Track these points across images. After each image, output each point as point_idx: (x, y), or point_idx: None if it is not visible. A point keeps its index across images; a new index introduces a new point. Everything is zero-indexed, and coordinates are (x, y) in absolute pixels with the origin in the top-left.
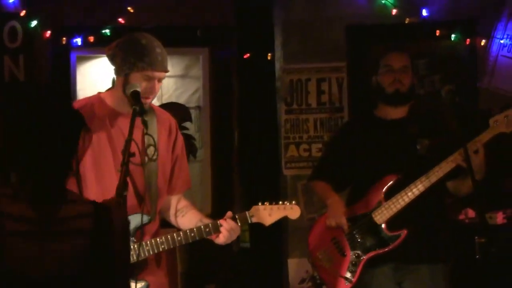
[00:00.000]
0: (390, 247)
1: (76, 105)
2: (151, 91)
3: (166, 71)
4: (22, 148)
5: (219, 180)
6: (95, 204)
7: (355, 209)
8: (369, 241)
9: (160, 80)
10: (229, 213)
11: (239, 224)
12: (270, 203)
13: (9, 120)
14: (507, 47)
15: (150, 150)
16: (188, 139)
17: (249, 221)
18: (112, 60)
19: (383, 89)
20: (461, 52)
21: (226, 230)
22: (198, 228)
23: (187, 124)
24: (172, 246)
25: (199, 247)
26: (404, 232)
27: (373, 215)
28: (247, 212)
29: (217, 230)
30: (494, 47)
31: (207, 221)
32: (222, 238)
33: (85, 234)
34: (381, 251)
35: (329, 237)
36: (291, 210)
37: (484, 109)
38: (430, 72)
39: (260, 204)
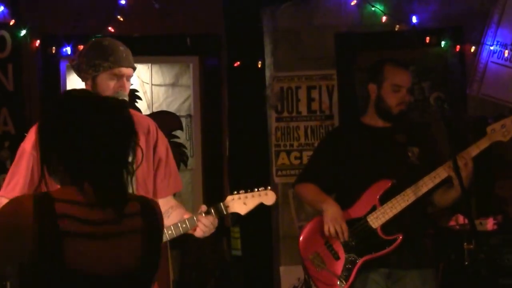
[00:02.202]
0: (386, 250)
1: None
2: (122, 90)
3: (133, 67)
4: (94, 156)
5: (210, 188)
6: (141, 201)
7: (348, 213)
8: (363, 245)
9: (128, 78)
10: (203, 207)
11: (215, 216)
12: (245, 192)
13: (82, 131)
14: (497, 54)
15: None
16: (179, 147)
17: (224, 212)
18: (78, 69)
19: (389, 108)
20: (451, 59)
21: (203, 223)
22: (175, 225)
23: (177, 132)
24: None
25: (191, 254)
26: (400, 237)
27: (368, 219)
28: (221, 203)
29: (193, 224)
30: (484, 54)
31: (185, 216)
32: (199, 231)
33: (138, 232)
34: (376, 254)
35: (321, 241)
36: (266, 197)
37: (475, 116)
38: (420, 79)
39: (235, 193)
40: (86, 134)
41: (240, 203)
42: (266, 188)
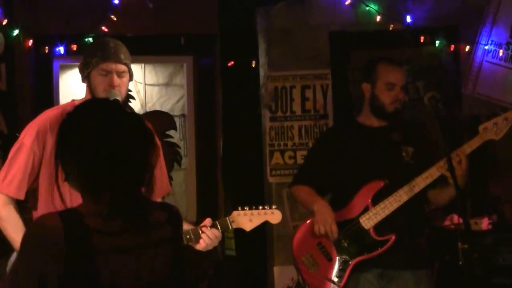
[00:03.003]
0: (379, 251)
1: (50, 112)
2: (111, 86)
3: (122, 63)
4: (112, 166)
5: (204, 188)
6: (166, 209)
7: (341, 214)
8: (356, 246)
9: (119, 74)
10: (208, 220)
11: (220, 230)
12: (250, 208)
13: (100, 142)
14: (491, 53)
15: None
16: (173, 147)
17: (230, 227)
18: (79, 70)
19: (383, 106)
20: (445, 58)
21: (209, 238)
22: None
23: (171, 132)
24: None
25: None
26: (392, 237)
27: (361, 220)
28: (227, 218)
29: (198, 237)
30: (479, 53)
31: (187, 227)
32: (203, 245)
33: (167, 242)
34: (369, 255)
35: (314, 242)
36: (272, 215)
37: (470, 115)
38: (414, 78)
39: (240, 209)
40: (106, 140)
41: (246, 220)
42: (271, 207)
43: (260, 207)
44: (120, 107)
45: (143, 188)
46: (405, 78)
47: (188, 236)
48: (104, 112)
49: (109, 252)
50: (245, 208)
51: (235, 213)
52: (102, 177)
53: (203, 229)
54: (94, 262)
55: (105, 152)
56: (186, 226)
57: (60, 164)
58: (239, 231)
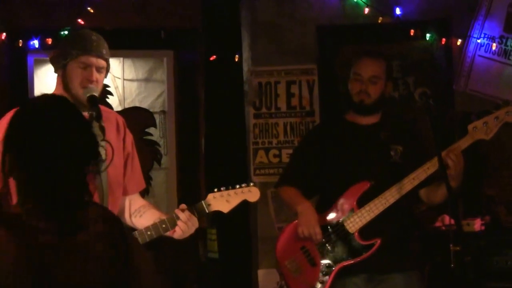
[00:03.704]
0: (363, 256)
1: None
2: (89, 80)
3: (104, 58)
4: (48, 168)
5: (185, 188)
6: (98, 206)
7: (326, 217)
8: (340, 251)
9: (99, 69)
10: (183, 205)
11: (196, 215)
12: (226, 188)
13: (39, 141)
14: (484, 47)
15: (103, 156)
16: (153, 145)
17: (206, 211)
18: (51, 60)
19: (350, 97)
20: (436, 53)
21: (183, 222)
22: (154, 225)
23: (151, 129)
24: None
25: (166, 258)
26: (377, 241)
27: (345, 223)
28: (203, 201)
29: (174, 224)
30: (471, 47)
31: (162, 216)
32: (179, 231)
33: (101, 238)
34: (353, 260)
35: (298, 246)
36: (250, 193)
37: (462, 112)
38: (404, 74)
39: (215, 190)
40: (47, 140)
41: (222, 201)
42: (249, 184)
43: (237, 186)
44: (71, 111)
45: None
46: (378, 69)
47: (164, 226)
48: (50, 113)
49: (51, 249)
50: (221, 189)
51: (210, 195)
52: (37, 176)
53: (178, 213)
54: (43, 260)
55: (43, 152)
56: (161, 216)
57: (7, 158)
58: (221, 234)
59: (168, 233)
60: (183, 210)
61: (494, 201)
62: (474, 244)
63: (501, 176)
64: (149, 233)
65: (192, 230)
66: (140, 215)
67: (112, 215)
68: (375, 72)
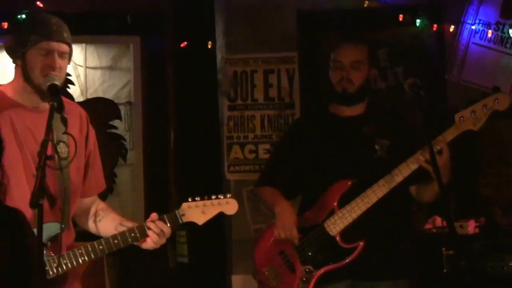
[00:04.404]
0: (346, 261)
1: None
2: (51, 67)
3: (65, 42)
4: None
5: (153, 186)
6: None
7: (306, 218)
8: (321, 255)
9: (61, 55)
10: (154, 215)
11: (169, 225)
12: (202, 198)
13: None
14: (479, 34)
15: (65, 151)
16: (117, 139)
17: (180, 221)
18: (7, 49)
19: (332, 87)
20: (427, 40)
21: (155, 234)
22: (122, 234)
23: (115, 122)
24: (93, 257)
25: (130, 261)
26: (360, 244)
27: (325, 225)
28: (176, 211)
29: (144, 234)
30: (465, 34)
31: (129, 224)
32: (150, 242)
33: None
34: (335, 265)
35: (276, 251)
36: (227, 205)
37: (455, 104)
38: (392, 63)
39: (190, 200)
40: None
41: (197, 212)
42: (226, 196)
43: (213, 197)
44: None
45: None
46: (359, 53)
47: (133, 234)
48: None
49: None
50: (196, 198)
51: (185, 205)
52: None
53: (149, 224)
54: None
55: None
56: (130, 223)
57: None
58: (192, 236)
59: (137, 243)
60: (156, 221)
61: (489, 201)
62: (468, 248)
63: (498, 174)
64: (115, 241)
65: (163, 240)
66: (99, 219)
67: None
68: (356, 56)
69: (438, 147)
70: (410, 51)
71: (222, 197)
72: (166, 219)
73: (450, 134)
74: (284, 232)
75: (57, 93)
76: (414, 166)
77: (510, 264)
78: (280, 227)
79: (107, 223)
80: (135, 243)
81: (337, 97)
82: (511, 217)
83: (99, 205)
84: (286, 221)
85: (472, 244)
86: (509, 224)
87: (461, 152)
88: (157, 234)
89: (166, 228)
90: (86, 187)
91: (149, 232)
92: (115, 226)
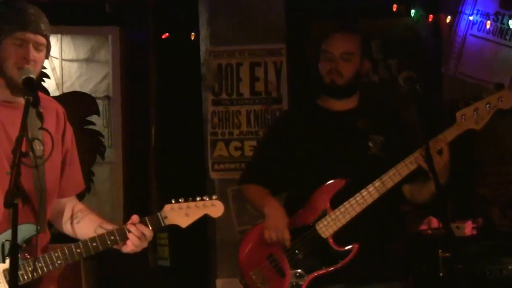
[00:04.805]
0: (339, 264)
1: None
2: (25, 59)
3: (42, 34)
4: None
5: (133, 185)
6: None
7: (296, 220)
8: (313, 258)
9: (37, 47)
10: (135, 217)
11: (151, 228)
12: (186, 200)
13: None
14: (477, 25)
15: (41, 149)
16: (95, 136)
17: (162, 224)
18: None
19: (321, 78)
20: (423, 31)
21: (136, 237)
22: (101, 237)
23: (93, 118)
24: (70, 261)
25: (108, 265)
26: (355, 247)
27: (317, 227)
28: (159, 213)
29: (124, 237)
30: (462, 25)
31: (109, 226)
32: (130, 246)
33: None
34: (328, 269)
35: (265, 253)
36: (213, 208)
37: (451, 99)
38: (386, 55)
39: (173, 202)
40: None
41: (181, 214)
42: (211, 198)
43: (198, 198)
44: None
45: None
46: (351, 44)
47: (112, 238)
48: None
49: None
50: (180, 200)
51: (167, 207)
52: None
53: (129, 227)
54: None
55: None
56: (109, 226)
57: None
58: (174, 238)
59: (117, 246)
60: (138, 224)
61: (487, 201)
62: (465, 250)
63: (496, 173)
64: (94, 244)
65: (144, 244)
66: (78, 221)
67: None
68: (347, 48)
69: (438, 147)
70: (404, 43)
71: (207, 199)
72: (148, 222)
73: (451, 133)
74: (276, 233)
75: (33, 87)
76: (413, 166)
77: (510, 268)
78: (270, 228)
79: (85, 225)
80: (114, 246)
81: (325, 89)
82: (510, 218)
83: (77, 206)
84: (277, 222)
85: (470, 246)
86: (508, 225)
87: (458, 150)
88: (138, 238)
89: (148, 231)
90: (63, 187)
91: (130, 235)
92: (94, 228)
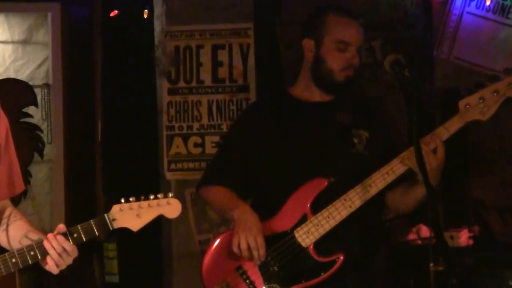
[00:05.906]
0: (322, 277)
1: None
2: None
3: None
4: None
5: (76, 186)
6: None
7: (270, 225)
8: (290, 270)
9: None
10: (61, 226)
11: (97, 233)
12: (138, 199)
13: None
14: (475, 1)
15: None
16: (33, 130)
17: (110, 228)
18: None
19: (330, 73)
20: (411, 9)
21: (56, 252)
22: (20, 252)
23: (30, 109)
24: None
25: (48, 279)
26: (340, 258)
27: (296, 234)
28: (106, 215)
29: (45, 252)
30: (458, 2)
31: (36, 236)
32: (50, 263)
33: None
34: (309, 283)
35: (233, 265)
36: (168, 207)
37: (445, 87)
38: (369, 36)
39: (123, 201)
40: None
41: (131, 215)
42: (167, 196)
43: (151, 197)
44: None
45: None
46: (362, 37)
47: (32, 253)
48: None
49: None
50: (130, 199)
51: (116, 207)
52: None
53: (48, 239)
54: None
55: None
56: (36, 236)
57: None
58: (123, 250)
59: (41, 262)
60: (56, 235)
61: (484, 206)
62: (460, 263)
63: (494, 173)
64: (13, 260)
65: (68, 261)
66: (3, 229)
67: None
68: (362, 39)
69: (432, 145)
70: (390, 22)
71: (161, 197)
72: (68, 233)
73: (453, 125)
74: (247, 240)
75: None
76: (409, 163)
77: (510, 284)
78: (241, 234)
79: (11, 233)
80: (36, 261)
81: (335, 87)
82: (511, 225)
83: (8, 211)
84: (250, 227)
85: (465, 258)
86: (508, 233)
87: (449, 145)
88: (58, 254)
89: (68, 245)
90: None
91: (49, 250)
92: (19, 238)
